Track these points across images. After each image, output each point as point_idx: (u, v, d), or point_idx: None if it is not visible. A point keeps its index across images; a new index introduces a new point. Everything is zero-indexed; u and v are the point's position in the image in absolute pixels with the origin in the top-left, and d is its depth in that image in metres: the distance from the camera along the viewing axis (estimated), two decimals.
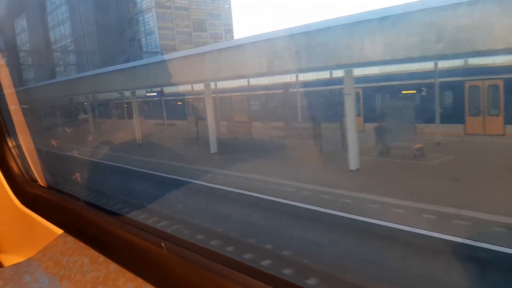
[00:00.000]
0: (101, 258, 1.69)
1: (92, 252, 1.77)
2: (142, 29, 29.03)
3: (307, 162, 10.82)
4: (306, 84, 15.98)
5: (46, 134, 19.64)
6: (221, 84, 18.75)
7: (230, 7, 31.21)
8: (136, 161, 13.46)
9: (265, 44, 11.24)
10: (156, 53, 27.39)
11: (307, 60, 10.34)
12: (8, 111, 2.81)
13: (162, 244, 1.48)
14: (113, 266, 1.61)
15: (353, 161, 9.72)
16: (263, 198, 8.25)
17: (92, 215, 2.06)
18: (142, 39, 29.17)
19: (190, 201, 9.27)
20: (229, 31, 30.44)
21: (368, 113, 13.28)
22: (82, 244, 1.86)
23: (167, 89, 22.11)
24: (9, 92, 2.92)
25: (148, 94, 22.15)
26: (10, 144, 2.64)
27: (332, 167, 10.05)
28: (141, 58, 27.01)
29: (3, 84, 2.94)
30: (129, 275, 1.52)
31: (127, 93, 22.63)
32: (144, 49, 29.14)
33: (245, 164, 11.30)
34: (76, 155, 15.45)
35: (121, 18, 29.34)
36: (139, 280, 1.47)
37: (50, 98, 25.22)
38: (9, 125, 2.72)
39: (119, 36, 29.01)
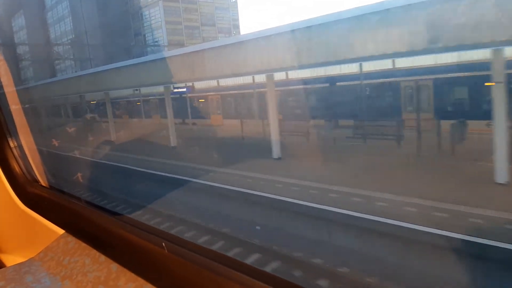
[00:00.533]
0: (102, 258, 1.70)
1: (93, 252, 1.77)
2: (148, 23, 27.95)
3: (421, 172, 8.32)
4: (357, 76, 13.44)
5: (58, 136, 18.51)
6: (242, 80, 16.71)
7: (236, 1, 29.99)
8: (183, 168, 11.31)
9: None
10: (164, 46, 26.54)
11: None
12: (9, 110, 2.81)
13: (163, 244, 1.48)
14: (114, 266, 1.61)
15: (502, 172, 7.42)
16: (432, 233, 5.49)
17: (93, 215, 2.06)
18: (149, 34, 28.14)
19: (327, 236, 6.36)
20: (236, 26, 29.46)
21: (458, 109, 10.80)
22: (83, 244, 1.86)
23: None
24: (11, 91, 2.93)
25: (176, 90, 19.97)
26: (11, 144, 2.64)
27: (468, 179, 7.54)
28: (146, 54, 25.72)
29: (4, 83, 2.95)
30: (130, 275, 1.52)
31: (137, 90, 21.20)
32: (151, 43, 28.14)
33: (337, 174, 8.83)
34: (102, 161, 13.76)
35: (125, 13, 28.46)
36: (140, 280, 1.47)
37: (54, 97, 24.24)
38: (11, 125, 2.72)
39: (123, 32, 28.12)
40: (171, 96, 21.36)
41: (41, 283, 1.76)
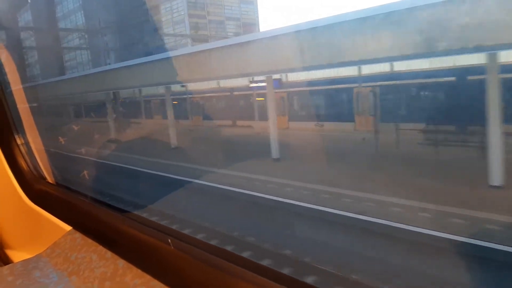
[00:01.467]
0: (109, 254, 1.71)
1: (100, 248, 1.78)
2: (168, 17, 25.79)
3: None
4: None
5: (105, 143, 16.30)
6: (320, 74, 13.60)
7: None
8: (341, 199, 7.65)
9: None
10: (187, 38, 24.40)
11: None
12: (17, 108, 2.84)
13: (169, 240, 1.49)
14: (121, 262, 1.62)
15: None
16: None
17: (100, 212, 2.08)
18: (170, 29, 25.86)
19: None
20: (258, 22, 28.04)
21: None
22: (90, 241, 1.88)
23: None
24: (18, 89, 2.95)
25: (255, 85, 16.45)
26: (18, 141, 2.67)
27: None
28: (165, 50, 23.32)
29: (12, 81, 2.98)
30: (136, 271, 1.53)
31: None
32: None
33: None
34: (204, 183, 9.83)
35: (143, 6, 26.46)
36: (146, 276, 1.48)
37: (74, 94, 22.36)
38: (18, 122, 2.75)
39: (140, 27, 25.88)
40: (215, 94, 18.31)
41: (49, 278, 1.78)
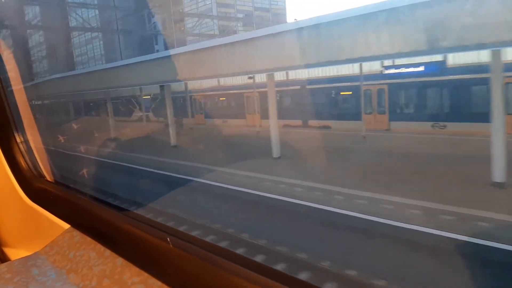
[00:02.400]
0: (108, 252, 1.71)
1: (98, 246, 1.78)
2: (193, 8, 23.96)
3: None
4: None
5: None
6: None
7: None
8: None
9: None
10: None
11: None
12: (16, 106, 2.84)
13: (168, 238, 1.49)
14: (120, 260, 1.62)
15: None
16: None
17: (99, 210, 2.08)
18: (192, 21, 23.87)
19: None
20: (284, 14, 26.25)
21: None
22: (88, 239, 1.88)
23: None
24: (18, 88, 2.96)
25: (390, 71, 12.48)
26: (18, 139, 2.67)
27: None
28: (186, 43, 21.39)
29: (13, 80, 2.98)
30: (135, 269, 1.53)
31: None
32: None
33: None
34: None
35: None
36: (145, 274, 1.48)
37: (88, 91, 20.74)
38: (18, 120, 2.75)
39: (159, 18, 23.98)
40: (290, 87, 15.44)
41: (47, 276, 1.78)
